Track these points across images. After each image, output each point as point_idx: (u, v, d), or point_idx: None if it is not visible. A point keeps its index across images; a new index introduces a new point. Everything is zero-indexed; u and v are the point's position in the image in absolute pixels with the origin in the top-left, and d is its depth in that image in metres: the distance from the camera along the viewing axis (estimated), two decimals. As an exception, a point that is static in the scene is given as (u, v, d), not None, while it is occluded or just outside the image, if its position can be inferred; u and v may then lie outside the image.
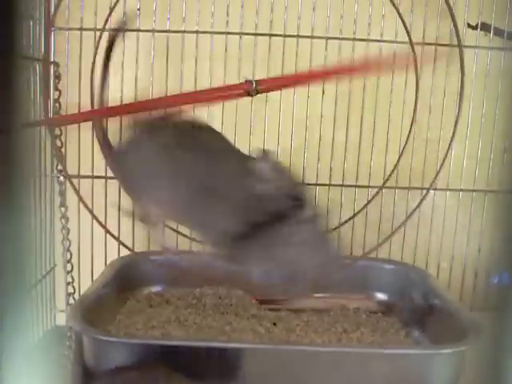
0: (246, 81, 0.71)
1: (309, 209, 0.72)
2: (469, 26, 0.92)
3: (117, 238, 0.81)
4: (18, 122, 0.30)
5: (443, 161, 0.73)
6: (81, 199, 0.77)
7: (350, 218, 0.90)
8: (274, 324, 0.77)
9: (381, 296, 0.88)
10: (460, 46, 0.70)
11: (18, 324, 0.30)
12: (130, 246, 0.87)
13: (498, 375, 0.32)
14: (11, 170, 0.30)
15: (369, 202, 0.87)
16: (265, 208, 0.71)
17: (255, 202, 0.70)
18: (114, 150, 0.73)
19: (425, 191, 0.88)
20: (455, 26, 0.70)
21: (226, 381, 0.61)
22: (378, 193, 0.86)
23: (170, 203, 0.69)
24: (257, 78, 0.74)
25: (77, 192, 0.77)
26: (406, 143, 0.82)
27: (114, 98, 0.83)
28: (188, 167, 0.69)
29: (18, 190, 0.30)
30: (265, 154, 0.70)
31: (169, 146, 0.69)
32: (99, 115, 0.73)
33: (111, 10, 0.81)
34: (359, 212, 0.89)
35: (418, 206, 0.72)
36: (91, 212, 0.78)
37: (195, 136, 0.71)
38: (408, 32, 0.78)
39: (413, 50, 0.79)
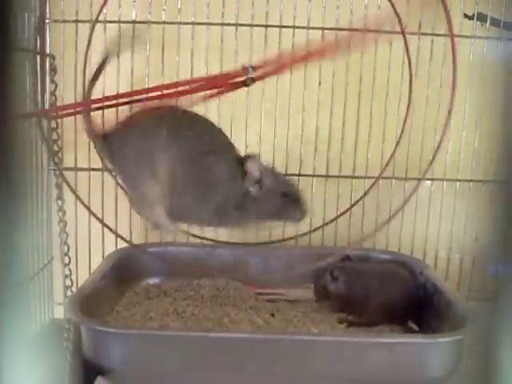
0: (243, 67, 0.71)
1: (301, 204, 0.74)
2: (465, 16, 0.92)
3: (114, 232, 0.81)
4: (14, 112, 0.30)
5: (436, 151, 0.73)
6: (76, 196, 0.76)
7: (347, 210, 0.90)
8: (272, 315, 0.77)
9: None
10: (452, 35, 0.70)
11: (17, 316, 0.30)
12: (128, 238, 0.87)
13: (493, 363, 0.32)
14: (9, 161, 0.30)
15: (365, 193, 0.87)
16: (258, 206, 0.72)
17: (245, 199, 0.71)
18: (107, 133, 0.74)
19: (421, 181, 0.88)
20: (447, 15, 0.70)
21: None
22: (374, 183, 0.86)
23: (163, 183, 0.70)
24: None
25: (72, 189, 0.77)
26: (402, 133, 0.82)
27: (109, 89, 0.83)
28: (181, 151, 0.70)
29: (16, 182, 0.30)
30: (252, 154, 0.71)
31: (162, 129, 0.69)
32: (96, 106, 0.73)
33: (104, 3, 0.80)
34: (356, 203, 0.89)
35: (412, 194, 0.72)
36: (88, 208, 0.78)
37: (189, 124, 0.71)
38: (401, 24, 0.78)
39: (405, 40, 0.79)
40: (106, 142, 0.73)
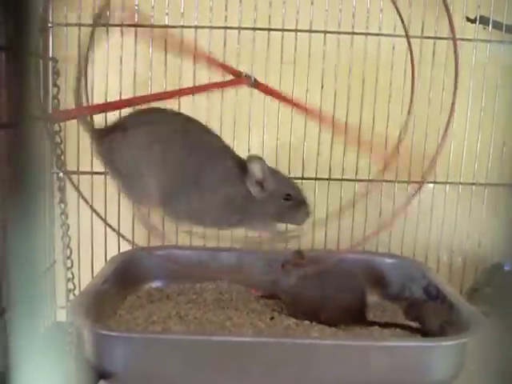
0: (245, 75, 0.71)
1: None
2: (467, 19, 0.92)
3: (117, 231, 0.81)
4: (28, 116, 0.30)
5: (437, 154, 0.72)
6: (80, 194, 0.76)
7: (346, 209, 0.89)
8: (272, 318, 0.77)
9: (381, 290, 0.88)
10: (454, 38, 0.70)
11: (30, 311, 0.31)
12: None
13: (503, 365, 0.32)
14: (23, 165, 0.30)
15: (366, 194, 0.87)
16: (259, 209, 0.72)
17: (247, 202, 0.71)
18: (102, 132, 0.74)
19: (424, 184, 0.88)
20: (449, 18, 0.70)
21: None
22: (374, 186, 0.86)
23: (159, 187, 0.70)
24: (256, 74, 0.75)
25: (76, 187, 0.76)
26: (401, 133, 0.82)
27: (113, 92, 0.83)
28: (178, 155, 0.70)
29: (31, 185, 0.30)
30: (255, 156, 0.71)
31: (160, 131, 0.69)
32: (99, 110, 0.73)
33: (105, 5, 0.80)
34: (356, 203, 0.89)
35: (413, 197, 0.71)
36: (90, 205, 0.78)
37: (187, 129, 0.72)
38: (405, 26, 0.78)
39: (409, 43, 0.79)
40: (103, 140, 0.73)
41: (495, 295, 0.77)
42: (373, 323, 0.76)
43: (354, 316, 0.76)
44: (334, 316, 0.75)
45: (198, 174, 0.71)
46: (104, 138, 0.72)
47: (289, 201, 0.73)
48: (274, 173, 0.74)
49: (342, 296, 0.76)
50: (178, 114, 0.75)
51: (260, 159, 0.71)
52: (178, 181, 0.70)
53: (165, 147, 0.69)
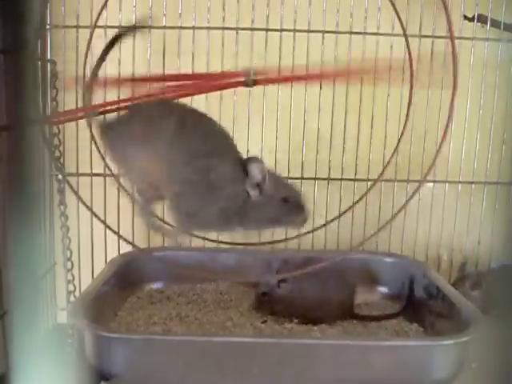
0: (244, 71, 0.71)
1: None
2: (465, 17, 0.91)
3: (116, 233, 0.80)
4: (27, 118, 0.30)
5: (436, 154, 0.72)
6: (79, 198, 0.76)
7: (347, 209, 0.89)
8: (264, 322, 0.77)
9: (381, 289, 0.88)
10: (452, 37, 0.70)
11: (30, 312, 0.31)
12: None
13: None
14: (23, 167, 0.30)
15: (366, 192, 0.86)
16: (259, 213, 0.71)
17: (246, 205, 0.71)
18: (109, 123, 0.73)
19: (423, 183, 0.88)
20: (448, 16, 0.70)
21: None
22: (374, 184, 0.86)
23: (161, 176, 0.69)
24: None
25: (74, 191, 0.76)
26: (403, 133, 0.82)
27: (111, 94, 0.83)
28: (183, 146, 0.69)
29: (31, 187, 0.30)
30: (255, 157, 0.71)
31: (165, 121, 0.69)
32: (99, 109, 0.73)
33: (102, 7, 0.80)
34: (356, 203, 0.88)
35: (412, 196, 0.71)
36: (90, 208, 0.77)
37: (195, 122, 0.71)
38: (403, 25, 0.78)
39: (407, 43, 0.79)
40: (109, 130, 0.72)
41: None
42: (360, 317, 0.78)
43: (343, 313, 0.78)
44: (322, 315, 0.77)
45: (201, 174, 0.70)
46: (112, 130, 0.72)
47: (287, 204, 0.72)
48: (272, 176, 0.73)
49: (330, 296, 0.78)
50: (185, 108, 0.74)
51: (260, 161, 0.71)
52: (181, 179, 0.70)
53: (168, 144, 0.69)
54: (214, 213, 0.71)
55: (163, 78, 0.72)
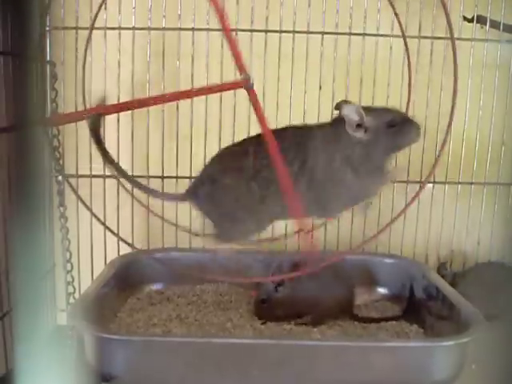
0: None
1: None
2: (464, 18, 0.91)
3: (116, 234, 0.80)
4: (28, 120, 0.30)
5: (438, 156, 0.72)
6: (79, 198, 0.76)
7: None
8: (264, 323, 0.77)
9: (381, 290, 0.88)
10: (452, 38, 0.70)
11: (31, 314, 0.31)
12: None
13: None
14: (23, 168, 0.30)
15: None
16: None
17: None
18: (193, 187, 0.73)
19: (422, 188, 0.88)
20: (447, 17, 0.70)
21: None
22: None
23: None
24: (254, 76, 0.74)
25: (75, 191, 0.76)
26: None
27: (110, 95, 0.83)
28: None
29: (31, 188, 0.30)
30: (344, 101, 0.68)
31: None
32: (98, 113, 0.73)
33: (99, 7, 0.80)
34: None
35: (413, 199, 0.71)
36: (89, 209, 0.77)
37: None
38: (401, 26, 0.78)
39: (405, 43, 0.79)
40: (194, 194, 0.72)
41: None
42: (359, 319, 0.78)
43: (343, 314, 0.79)
44: (320, 316, 0.77)
45: (309, 173, 0.68)
46: (197, 191, 0.72)
47: (394, 126, 0.68)
48: (367, 109, 0.68)
49: (329, 297, 0.78)
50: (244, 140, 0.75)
51: (347, 102, 0.68)
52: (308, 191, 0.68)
53: (260, 179, 0.69)
54: (357, 185, 0.69)
55: (162, 99, 0.71)
